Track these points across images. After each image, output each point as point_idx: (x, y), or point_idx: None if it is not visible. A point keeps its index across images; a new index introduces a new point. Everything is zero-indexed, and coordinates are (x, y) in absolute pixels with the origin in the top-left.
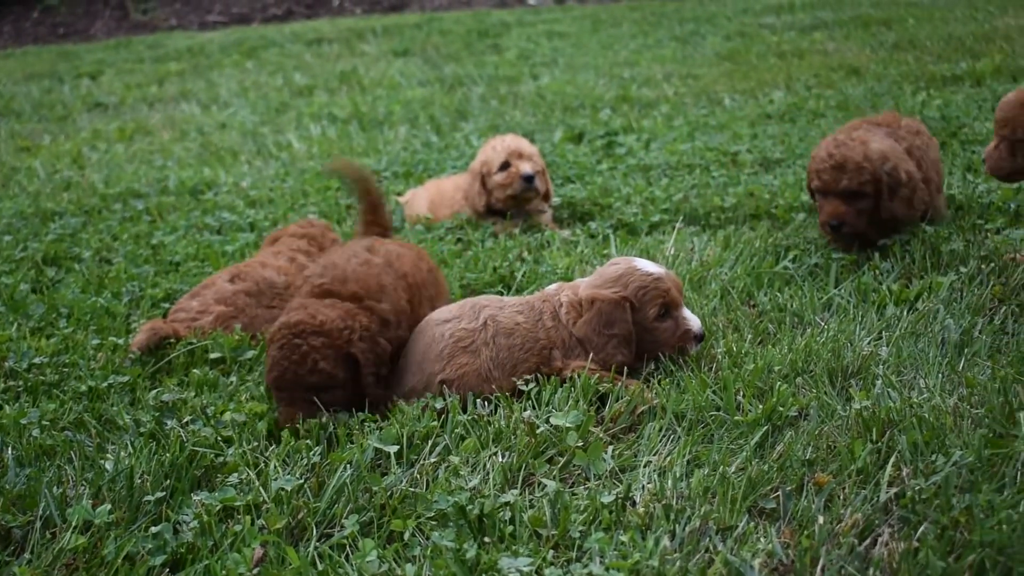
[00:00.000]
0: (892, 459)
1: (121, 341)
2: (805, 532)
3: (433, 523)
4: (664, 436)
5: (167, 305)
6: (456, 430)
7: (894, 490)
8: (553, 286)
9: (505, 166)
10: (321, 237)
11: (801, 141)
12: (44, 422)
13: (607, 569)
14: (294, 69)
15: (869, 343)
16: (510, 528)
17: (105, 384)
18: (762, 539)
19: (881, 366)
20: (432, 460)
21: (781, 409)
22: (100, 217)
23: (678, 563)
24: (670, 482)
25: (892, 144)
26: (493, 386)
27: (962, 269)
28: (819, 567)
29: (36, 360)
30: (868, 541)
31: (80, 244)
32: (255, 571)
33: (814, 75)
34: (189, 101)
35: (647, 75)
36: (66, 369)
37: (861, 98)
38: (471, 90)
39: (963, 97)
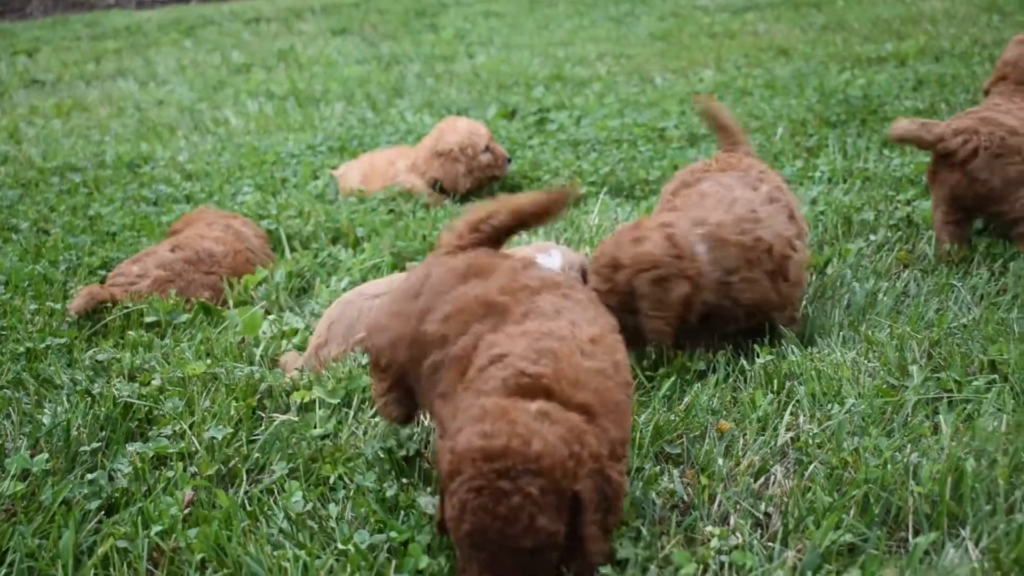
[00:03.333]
0: (791, 408)
1: (58, 306)
2: (705, 473)
3: (359, 470)
4: None
5: (104, 273)
6: None
7: (790, 435)
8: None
9: (486, 149)
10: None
11: None
12: None
13: None
14: (232, 47)
15: None
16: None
17: (43, 345)
18: (665, 479)
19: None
20: (366, 416)
21: (689, 364)
22: (37, 190)
23: None
24: None
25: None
26: None
27: (872, 237)
28: (716, 503)
29: None
30: (762, 480)
31: (17, 215)
32: (186, 512)
33: (744, 55)
34: (127, 78)
35: (581, 54)
36: (4, 332)
37: (788, 78)
38: (407, 68)
39: (886, 77)
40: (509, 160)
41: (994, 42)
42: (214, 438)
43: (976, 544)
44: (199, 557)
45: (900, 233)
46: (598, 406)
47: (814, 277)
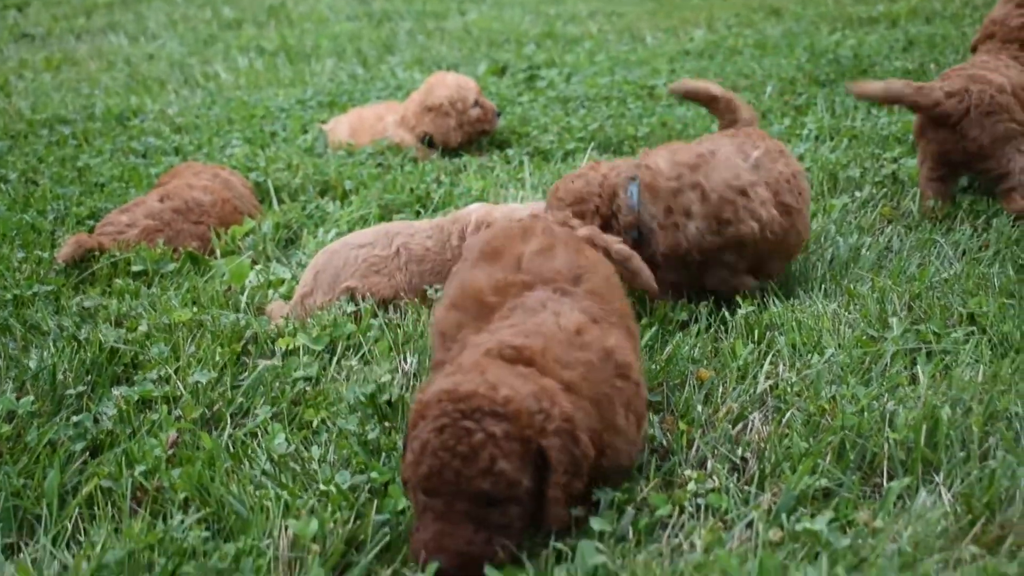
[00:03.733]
0: (770, 357)
1: (46, 255)
2: (684, 419)
3: (342, 414)
4: None
5: (92, 223)
6: (369, 333)
7: (769, 383)
8: (470, 207)
9: (475, 103)
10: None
11: (717, 76)
12: None
13: None
14: (223, 3)
15: None
16: None
17: (30, 292)
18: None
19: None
20: (349, 363)
21: (671, 315)
22: (26, 142)
23: None
24: None
25: None
26: (404, 301)
27: (857, 194)
28: (694, 448)
29: None
30: (740, 427)
31: (6, 166)
32: (169, 453)
33: (735, 15)
34: (117, 33)
35: (572, 12)
36: None
37: (779, 37)
38: (399, 25)
39: (876, 38)
40: (499, 114)
41: (985, 3)
42: (199, 382)
43: (949, 489)
44: (182, 496)
45: (885, 190)
46: (583, 390)
47: None
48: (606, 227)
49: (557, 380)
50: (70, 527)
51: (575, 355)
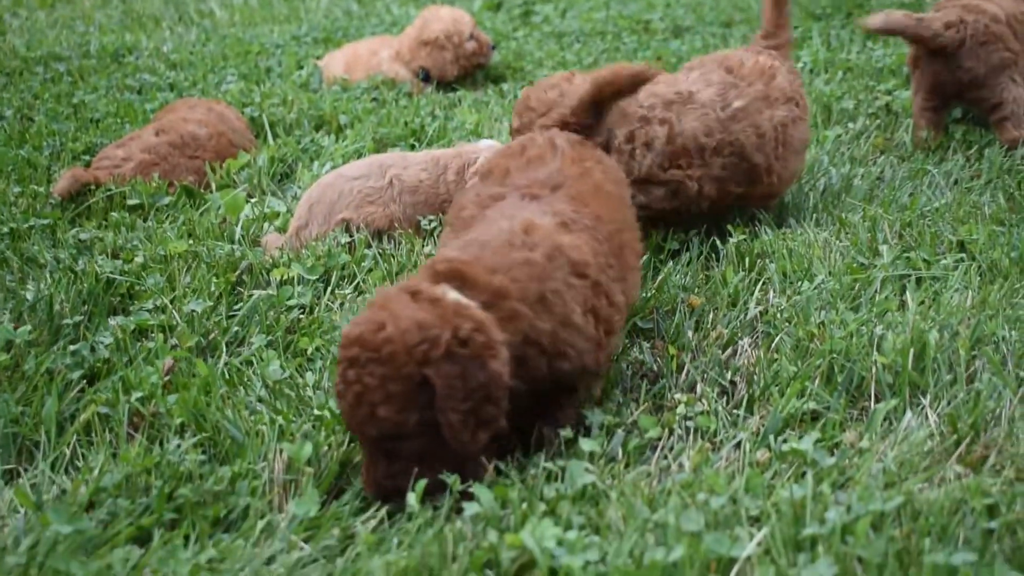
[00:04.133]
0: (760, 284)
1: (42, 189)
2: (675, 344)
3: (336, 341)
4: None
5: (87, 158)
6: (363, 263)
7: (759, 309)
8: (480, 143)
9: (471, 37)
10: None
11: (712, 10)
12: None
13: None
14: None
15: None
16: None
17: (26, 226)
18: (636, 351)
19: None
20: (344, 292)
21: (663, 244)
22: (21, 79)
23: None
24: None
25: None
26: (398, 231)
27: (851, 125)
28: (684, 373)
29: None
30: (730, 351)
31: (2, 103)
32: (166, 379)
33: None
34: None
35: None
36: None
37: None
38: None
39: None
40: (494, 47)
41: None
42: (194, 311)
43: (935, 411)
44: (178, 421)
45: (879, 121)
46: (516, 292)
47: None
48: None
49: (484, 290)
50: (68, 453)
51: (512, 256)
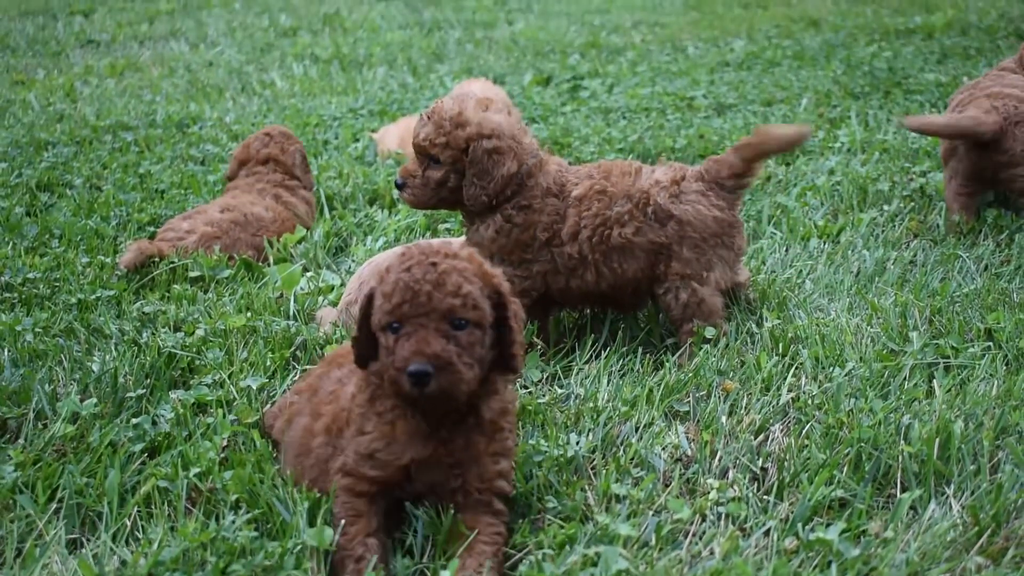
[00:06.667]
0: (793, 370)
1: (109, 260)
2: (708, 429)
3: None
4: (594, 351)
5: (152, 229)
6: None
7: (791, 395)
8: None
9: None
10: (283, 154)
11: (754, 88)
12: (37, 329)
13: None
14: (280, 10)
15: (790, 274)
16: None
17: (93, 297)
18: (672, 435)
19: (796, 291)
20: None
21: (700, 331)
22: (91, 147)
23: (597, 456)
24: (602, 391)
25: None
26: None
27: (886, 207)
28: (717, 457)
29: (30, 275)
30: (762, 437)
31: (72, 172)
32: (223, 455)
33: (775, 25)
34: (178, 39)
35: (617, 23)
36: (57, 284)
37: (816, 49)
38: (448, 34)
39: (912, 49)
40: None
41: (1021, 16)
42: (250, 387)
43: (958, 501)
44: (233, 498)
45: (913, 204)
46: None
47: (825, 244)
48: None
49: None
50: (129, 525)
51: None
